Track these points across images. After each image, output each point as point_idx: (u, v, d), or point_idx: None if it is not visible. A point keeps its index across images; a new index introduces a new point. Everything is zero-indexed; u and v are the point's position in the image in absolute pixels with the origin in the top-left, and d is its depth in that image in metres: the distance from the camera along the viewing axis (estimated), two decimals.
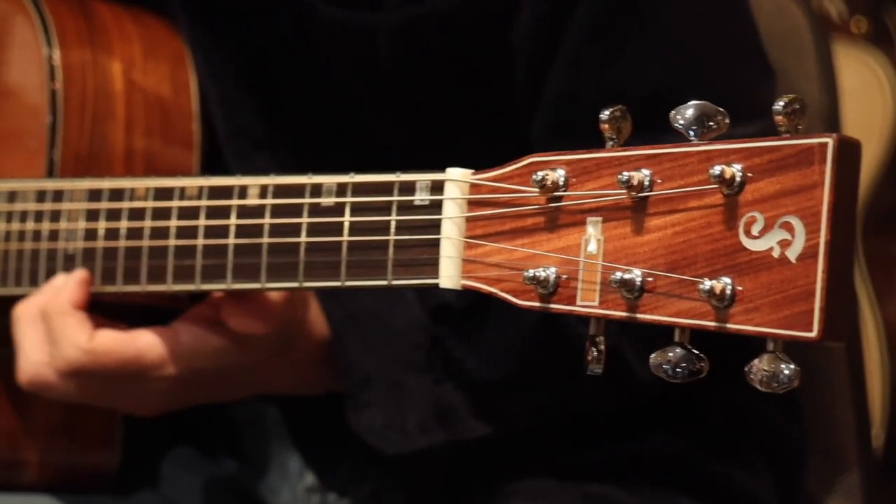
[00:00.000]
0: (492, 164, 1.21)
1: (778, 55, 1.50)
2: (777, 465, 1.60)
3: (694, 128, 1.06)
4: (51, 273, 1.48)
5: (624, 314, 1.06)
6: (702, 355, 1.06)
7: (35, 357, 1.41)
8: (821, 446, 1.68)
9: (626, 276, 1.05)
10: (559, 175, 1.10)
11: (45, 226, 1.49)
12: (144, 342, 1.39)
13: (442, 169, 1.22)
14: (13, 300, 1.52)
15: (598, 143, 1.11)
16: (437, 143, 1.50)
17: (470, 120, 1.49)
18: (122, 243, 1.42)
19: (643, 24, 1.40)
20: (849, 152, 1.00)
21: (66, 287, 1.41)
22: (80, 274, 1.41)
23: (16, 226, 1.52)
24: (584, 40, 1.40)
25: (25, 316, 1.43)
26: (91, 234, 1.45)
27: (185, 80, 1.60)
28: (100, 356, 1.37)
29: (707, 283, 1.02)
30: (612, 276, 1.06)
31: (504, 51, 1.44)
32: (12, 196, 1.53)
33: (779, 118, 1.02)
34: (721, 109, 1.06)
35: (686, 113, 1.06)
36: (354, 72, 1.50)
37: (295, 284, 1.26)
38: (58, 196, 1.49)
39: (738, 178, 1.02)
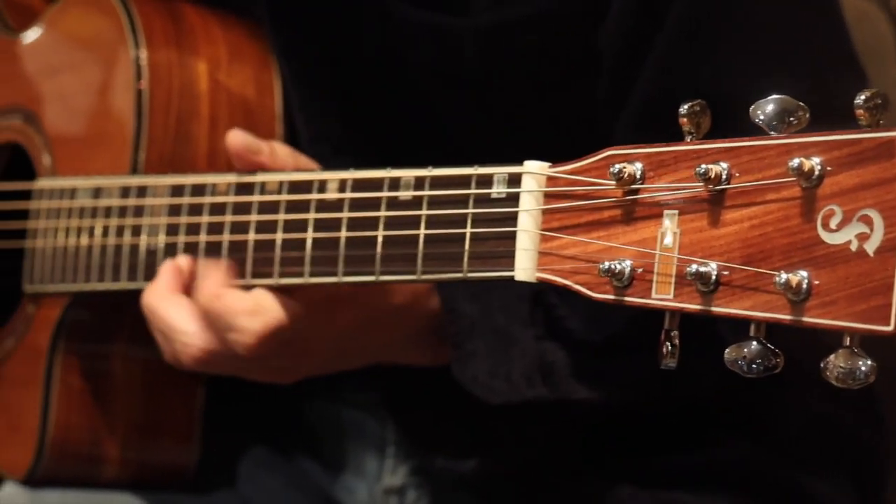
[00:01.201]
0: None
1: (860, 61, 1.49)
2: (857, 474, 1.58)
3: (774, 123, 1.05)
4: (133, 268, 1.50)
5: (699, 307, 1.05)
6: (777, 350, 1.05)
7: (194, 327, 1.41)
8: None
9: (702, 268, 1.05)
10: (636, 168, 1.10)
11: (129, 221, 1.51)
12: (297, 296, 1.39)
13: None
14: (102, 295, 1.54)
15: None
16: (519, 145, 1.49)
17: (552, 121, 1.49)
18: (203, 238, 1.44)
19: (735, 24, 1.39)
20: None
21: (209, 276, 1.41)
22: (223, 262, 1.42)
23: (100, 222, 1.55)
24: (675, 40, 1.40)
25: (167, 299, 1.44)
26: (173, 230, 1.47)
27: (270, 82, 1.61)
28: (269, 309, 1.37)
29: (783, 277, 1.01)
30: (688, 269, 1.05)
31: (589, 52, 1.44)
32: (97, 193, 1.56)
33: (859, 112, 1.01)
34: (801, 104, 1.05)
35: (766, 108, 1.05)
36: (438, 75, 1.51)
37: (371, 278, 1.27)
38: (141, 192, 1.51)
39: (816, 172, 1.01)
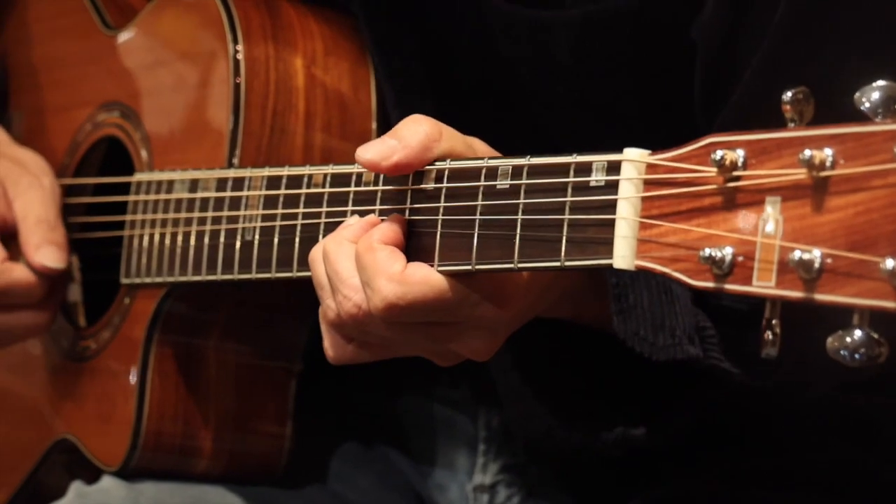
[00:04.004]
0: None
1: None
2: None
3: (880, 110, 1.04)
4: (229, 260, 1.51)
5: (801, 295, 1.04)
6: (882, 339, 1.03)
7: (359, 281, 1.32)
8: None
9: (805, 256, 1.04)
10: (738, 155, 1.09)
11: (225, 214, 1.52)
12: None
13: None
14: (198, 287, 1.55)
15: None
16: (613, 138, 1.49)
17: (647, 114, 1.49)
18: (299, 230, 1.44)
19: (842, 20, 1.38)
20: None
21: (377, 228, 1.33)
22: (394, 217, 1.34)
23: (196, 214, 1.56)
24: (781, 38, 1.38)
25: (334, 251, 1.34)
26: (269, 221, 1.47)
27: (366, 76, 1.62)
28: (414, 284, 1.28)
29: (889, 263, 1.00)
30: (791, 256, 1.04)
31: (682, 47, 1.43)
32: (194, 185, 1.57)
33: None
34: None
35: (872, 95, 1.04)
36: (532, 69, 1.51)
37: (468, 266, 1.27)
38: (237, 184, 1.52)
39: None
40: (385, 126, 1.61)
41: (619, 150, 1.20)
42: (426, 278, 1.28)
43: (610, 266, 1.16)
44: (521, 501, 1.65)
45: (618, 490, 1.60)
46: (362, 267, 1.30)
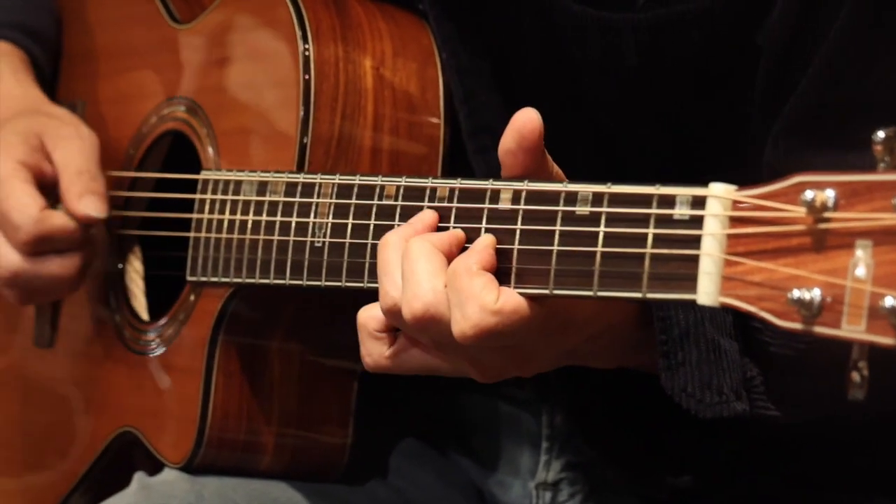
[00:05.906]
0: (728, 167, 1.19)
1: None
2: None
3: None
4: (298, 265, 1.50)
5: (892, 341, 1.03)
6: None
7: (432, 284, 1.31)
8: None
9: None
10: (828, 196, 1.08)
11: (294, 219, 1.52)
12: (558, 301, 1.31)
13: (682, 173, 1.21)
14: (263, 289, 1.55)
15: (839, 149, 1.08)
16: (676, 145, 1.49)
17: (711, 122, 1.48)
18: (370, 241, 1.43)
19: None
20: None
21: (474, 250, 1.32)
22: (488, 238, 1.33)
23: (265, 217, 1.55)
24: (843, 46, 1.37)
25: (417, 249, 1.33)
26: (339, 229, 1.47)
27: (434, 76, 1.61)
28: (507, 315, 1.28)
29: None
30: (882, 303, 1.03)
31: (750, 52, 1.42)
32: (262, 187, 1.56)
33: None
34: None
35: None
36: (599, 71, 1.50)
37: (545, 291, 1.26)
38: (307, 190, 1.51)
39: None
40: (454, 125, 1.60)
41: (683, 172, 1.18)
42: (518, 308, 1.27)
43: (693, 301, 1.15)
44: (584, 499, 1.65)
45: (676, 491, 1.61)
46: (457, 288, 1.28)
